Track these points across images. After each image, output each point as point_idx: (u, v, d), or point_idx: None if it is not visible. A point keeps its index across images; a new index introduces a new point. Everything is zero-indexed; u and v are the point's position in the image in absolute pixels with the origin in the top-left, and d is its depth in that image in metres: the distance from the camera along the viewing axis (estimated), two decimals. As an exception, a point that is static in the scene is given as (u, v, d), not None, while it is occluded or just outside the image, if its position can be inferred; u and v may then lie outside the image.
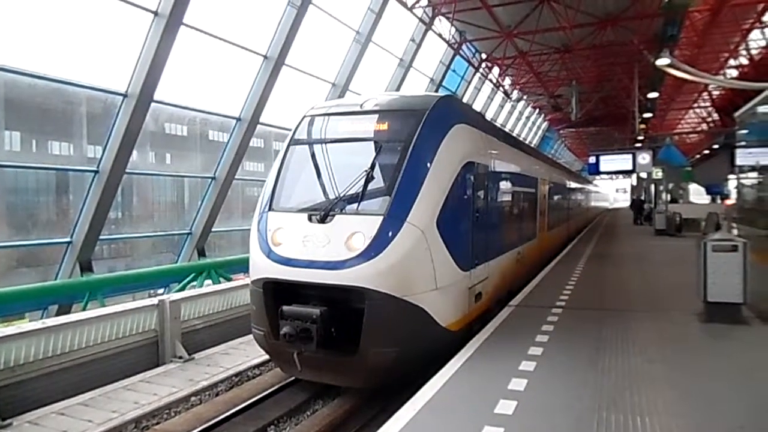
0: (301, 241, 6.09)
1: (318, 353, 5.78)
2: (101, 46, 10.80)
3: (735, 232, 9.50)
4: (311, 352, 5.76)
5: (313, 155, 6.90)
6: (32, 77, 9.54)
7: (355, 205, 6.17)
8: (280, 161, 7.10)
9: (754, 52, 26.08)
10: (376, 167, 6.33)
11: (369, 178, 6.23)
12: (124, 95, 10.30)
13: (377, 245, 5.74)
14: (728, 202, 27.90)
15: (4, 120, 10.32)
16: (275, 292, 6.24)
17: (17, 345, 6.29)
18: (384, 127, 6.64)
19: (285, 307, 5.95)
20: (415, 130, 6.37)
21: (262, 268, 6.32)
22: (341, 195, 6.24)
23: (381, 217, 5.88)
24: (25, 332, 6.43)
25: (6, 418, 5.78)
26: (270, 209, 6.64)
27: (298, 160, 7.01)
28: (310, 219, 6.17)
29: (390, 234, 5.78)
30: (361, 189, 6.20)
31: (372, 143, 6.57)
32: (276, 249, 6.23)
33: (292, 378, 6.96)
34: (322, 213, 6.12)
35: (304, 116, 7.34)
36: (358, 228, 5.90)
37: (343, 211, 6.16)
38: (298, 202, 6.57)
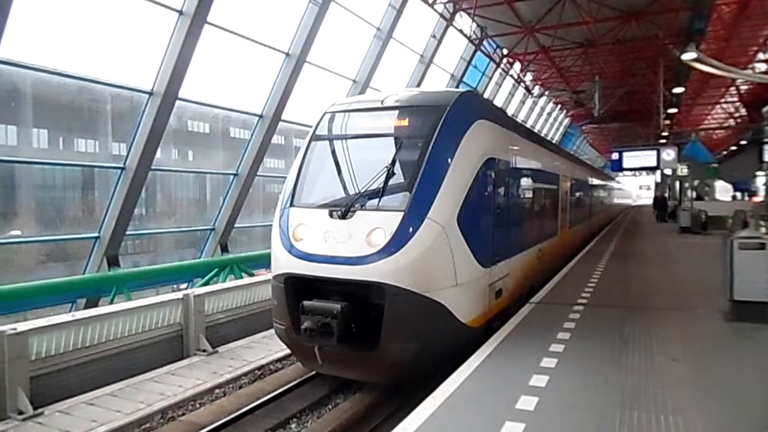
0: (322, 237, 6.14)
1: (338, 348, 5.83)
2: (127, 45, 11.00)
3: (763, 230, 9.31)
4: (332, 346, 5.81)
5: (333, 151, 6.94)
6: (60, 76, 9.75)
7: (375, 201, 6.18)
8: (301, 157, 7.15)
9: (784, 45, 25.37)
10: (397, 163, 6.33)
11: (390, 174, 6.23)
12: (150, 93, 10.48)
13: (398, 241, 5.76)
14: (756, 199, 27.29)
15: (32, 118, 10.58)
16: (296, 287, 6.29)
17: (48, 337, 6.48)
18: (405, 123, 6.64)
19: (306, 302, 6.00)
20: (436, 126, 6.36)
21: (283, 263, 6.38)
22: (362, 191, 6.26)
23: (402, 213, 5.89)
24: (55, 324, 6.62)
25: (38, 407, 5.96)
26: (291, 205, 6.69)
27: (319, 156, 7.05)
28: (331, 215, 6.21)
29: (411, 230, 5.79)
30: (381, 185, 6.21)
31: (393, 139, 6.57)
32: (297, 244, 6.29)
33: (314, 372, 7.04)
34: (343, 209, 6.14)
35: (325, 113, 7.38)
36: (378, 224, 5.92)
37: (364, 207, 6.18)
38: (319, 198, 6.61)
